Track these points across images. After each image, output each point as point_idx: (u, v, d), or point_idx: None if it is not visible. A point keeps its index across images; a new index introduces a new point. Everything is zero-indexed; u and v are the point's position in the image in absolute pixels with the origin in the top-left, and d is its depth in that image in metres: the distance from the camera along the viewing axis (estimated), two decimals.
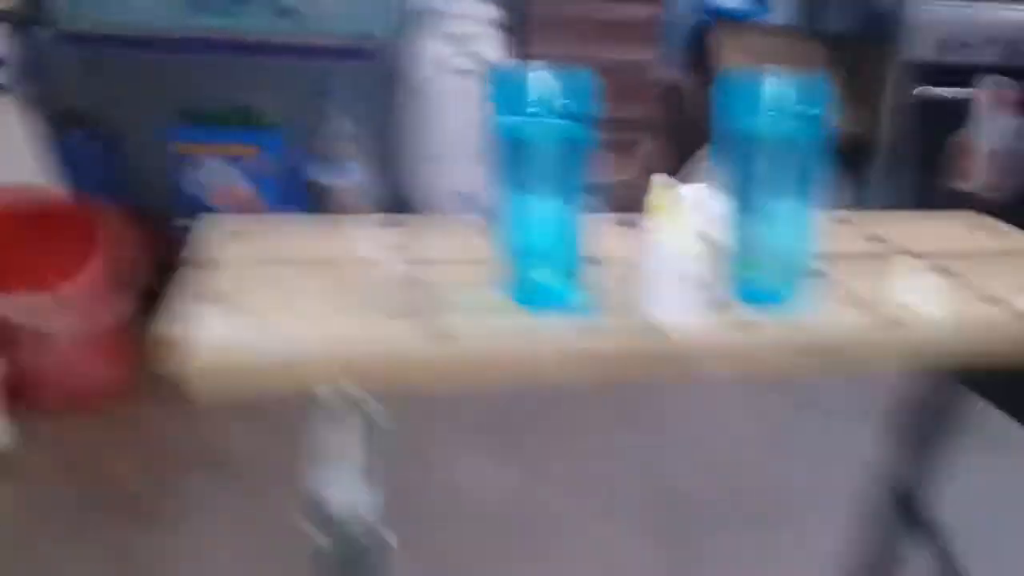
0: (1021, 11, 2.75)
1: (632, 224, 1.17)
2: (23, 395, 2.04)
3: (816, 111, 0.88)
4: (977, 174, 2.75)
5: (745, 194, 0.91)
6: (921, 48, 2.74)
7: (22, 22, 2.29)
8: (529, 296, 0.90)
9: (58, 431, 2.08)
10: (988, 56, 2.76)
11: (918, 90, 2.77)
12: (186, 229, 2.59)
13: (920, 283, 0.91)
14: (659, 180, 0.87)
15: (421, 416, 2.11)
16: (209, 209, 2.56)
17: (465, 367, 0.83)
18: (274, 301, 0.88)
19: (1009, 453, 2.09)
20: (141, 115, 2.77)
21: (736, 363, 0.87)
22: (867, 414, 2.26)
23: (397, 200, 2.95)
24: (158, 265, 2.59)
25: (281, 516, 1.81)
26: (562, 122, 0.85)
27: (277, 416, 2.13)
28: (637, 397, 2.31)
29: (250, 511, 1.85)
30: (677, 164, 2.98)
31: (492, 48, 2.77)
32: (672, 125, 3.14)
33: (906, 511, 1.34)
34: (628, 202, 3.18)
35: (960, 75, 2.76)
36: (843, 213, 1.25)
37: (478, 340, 0.84)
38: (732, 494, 1.99)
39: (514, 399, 2.27)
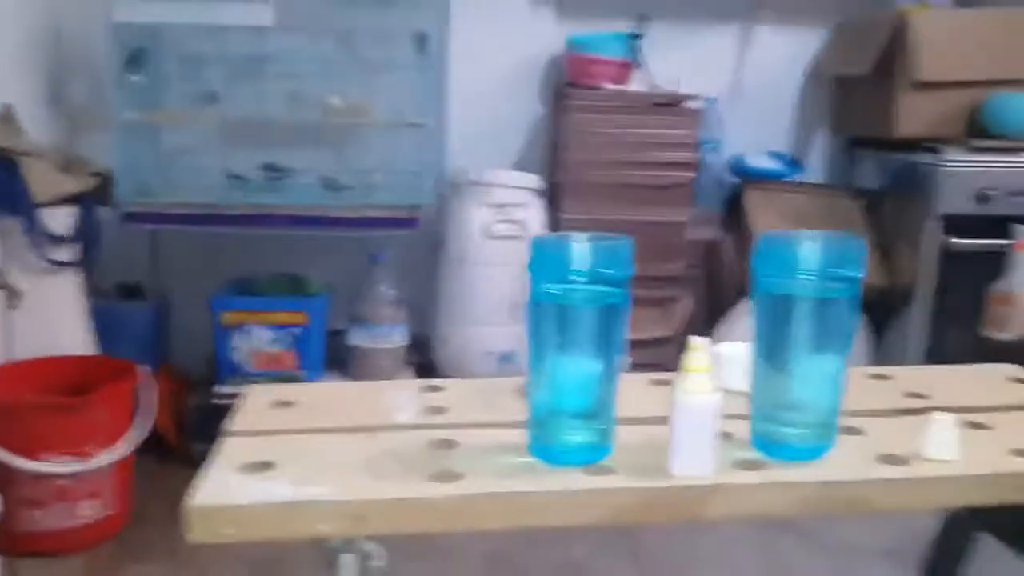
0: None
1: (667, 383, 1.18)
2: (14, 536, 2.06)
3: (850, 270, 0.89)
4: (1016, 323, 2.71)
5: (777, 352, 0.91)
6: (956, 200, 2.78)
7: (92, 204, 2.42)
8: (562, 456, 0.90)
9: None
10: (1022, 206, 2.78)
11: (955, 242, 2.79)
12: (228, 396, 2.64)
13: (953, 437, 0.90)
14: (695, 339, 0.88)
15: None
16: (253, 375, 2.62)
17: (474, 508, 0.83)
18: (304, 467, 0.89)
19: None
20: (192, 285, 2.88)
21: (745, 506, 0.86)
22: (880, 553, 2.23)
23: (436, 362, 2.98)
24: (177, 417, 2.65)
25: None
26: (601, 288, 0.88)
27: (277, 566, 2.13)
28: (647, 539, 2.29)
29: None
30: (714, 322, 3.00)
31: (533, 214, 2.86)
32: (709, 283, 3.18)
33: None
34: (665, 358, 3.22)
35: (996, 226, 2.78)
36: (881, 369, 1.24)
37: (490, 483, 0.85)
38: None
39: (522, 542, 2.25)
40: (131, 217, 2.60)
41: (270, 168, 2.86)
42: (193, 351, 2.90)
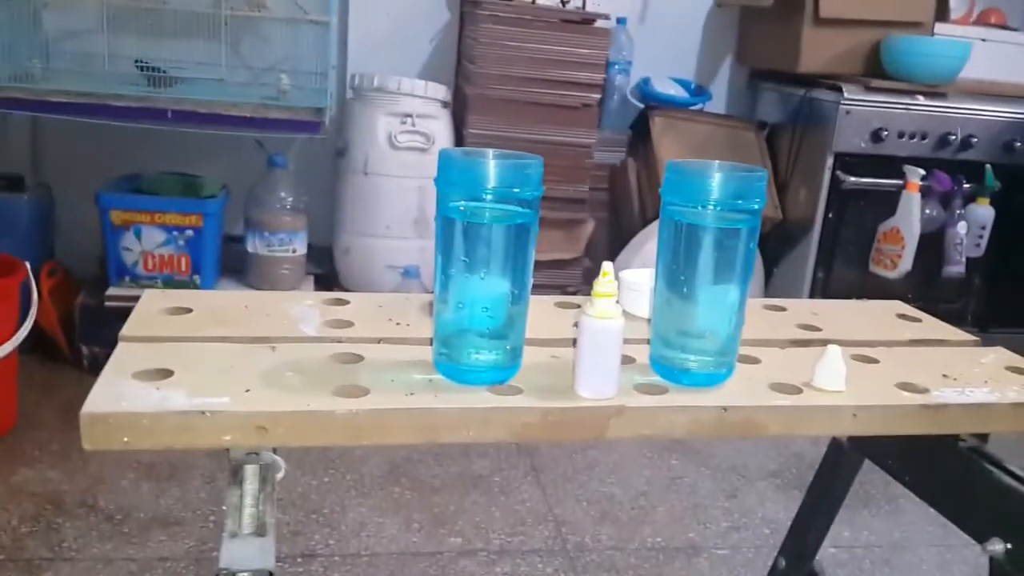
0: (946, 107, 2.89)
1: (572, 305, 1.19)
2: None
3: (753, 201, 0.91)
4: (902, 263, 2.85)
5: (679, 280, 0.93)
6: (852, 139, 2.86)
7: None
8: (469, 376, 0.90)
9: None
10: (915, 149, 2.89)
11: (849, 179, 2.88)
12: (119, 298, 2.56)
13: (842, 369, 0.95)
14: (607, 264, 0.88)
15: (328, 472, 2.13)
16: (144, 278, 2.54)
17: (379, 423, 0.83)
18: (203, 376, 0.86)
19: (896, 511, 2.17)
20: (78, 180, 2.75)
21: (645, 428, 0.89)
22: (765, 473, 2.38)
23: (337, 273, 2.94)
24: (65, 318, 2.57)
25: (163, 564, 1.79)
26: (511, 207, 0.87)
27: (168, 470, 2.12)
28: (546, 455, 2.37)
29: (133, 559, 1.82)
30: (618, 245, 3.04)
31: (440, 126, 2.81)
32: (614, 207, 3.21)
33: (802, 571, 1.37)
34: (569, 280, 3.25)
35: (890, 166, 2.89)
36: (777, 301, 1.28)
37: (396, 401, 0.85)
38: (635, 547, 2.00)
39: (425, 456, 2.29)
40: (7, 103, 2.44)
41: (160, 60, 2.71)
42: (81, 249, 2.79)
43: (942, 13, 3.14)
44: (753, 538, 2.10)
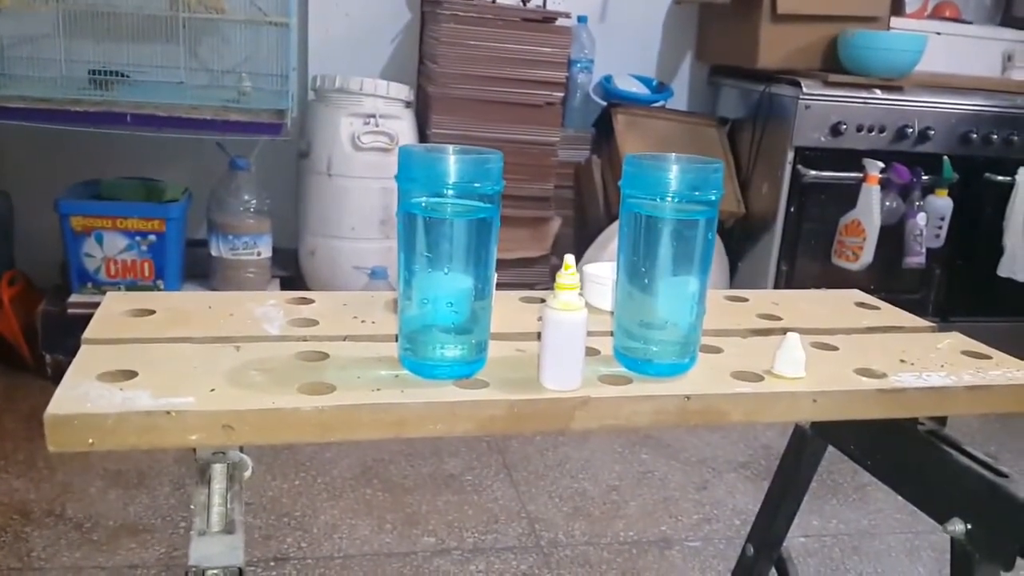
0: (903, 100, 2.94)
1: (537, 300, 1.20)
2: None
3: (710, 192, 0.92)
4: (864, 254, 2.89)
5: (639, 271, 0.94)
6: (812, 133, 2.90)
7: None
8: (435, 371, 0.91)
9: None
10: (874, 142, 2.93)
11: (809, 173, 2.92)
12: (82, 305, 2.53)
13: (802, 356, 0.97)
14: (568, 257, 0.89)
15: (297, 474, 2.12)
16: (107, 284, 2.51)
17: (346, 419, 0.83)
18: (168, 377, 0.86)
19: (863, 499, 2.21)
20: (36, 186, 2.72)
21: (610, 418, 0.90)
22: (733, 464, 2.41)
23: (303, 276, 2.93)
24: (26, 327, 2.53)
25: (133, 572, 1.78)
26: (472, 202, 0.88)
27: (137, 477, 2.11)
28: (518, 453, 2.38)
29: (103, 567, 1.81)
30: (584, 243, 3.06)
31: (403, 126, 2.81)
32: (579, 204, 3.22)
33: (771, 558, 1.39)
34: (535, 278, 3.26)
35: (847, 159, 2.93)
36: (738, 292, 1.30)
37: (362, 397, 0.85)
38: (608, 542, 2.01)
39: (395, 457, 2.29)
40: None
41: (118, 64, 2.68)
42: (42, 257, 2.76)
43: (897, 7, 3.19)
44: (724, 529, 2.13)
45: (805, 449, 1.30)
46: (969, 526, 1.01)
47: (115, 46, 2.67)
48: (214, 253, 2.69)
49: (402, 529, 2.02)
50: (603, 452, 2.45)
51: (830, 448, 1.29)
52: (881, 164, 2.89)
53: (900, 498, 1.14)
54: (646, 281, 0.94)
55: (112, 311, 1.05)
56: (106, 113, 2.43)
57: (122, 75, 2.61)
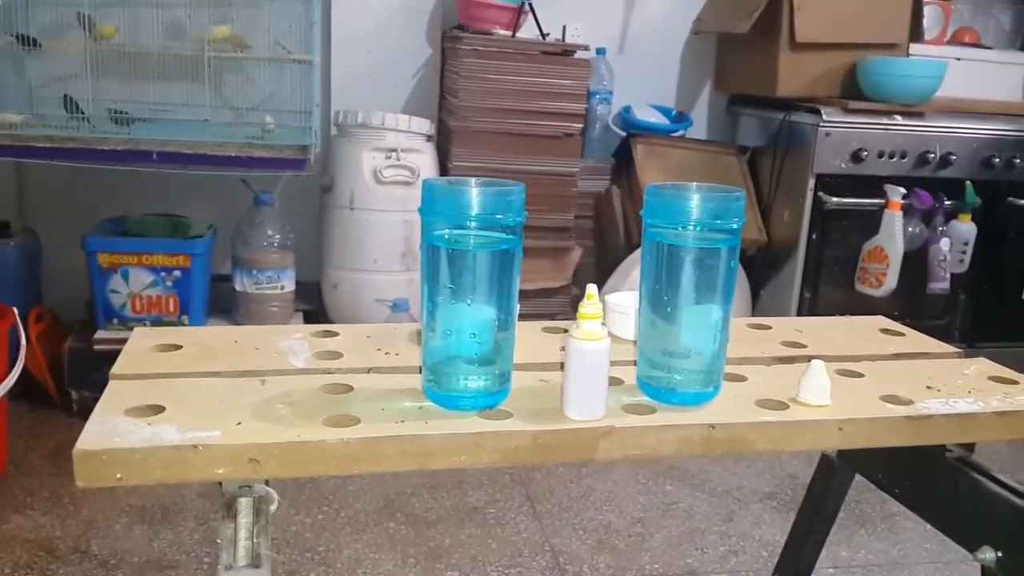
0: (923, 126, 2.93)
1: (559, 330, 1.20)
2: None
3: (731, 221, 0.93)
4: (887, 281, 2.88)
5: (662, 300, 0.94)
6: (832, 160, 2.89)
7: None
8: (458, 402, 0.91)
9: None
10: (896, 168, 2.93)
11: (831, 200, 2.91)
12: (108, 341, 2.55)
13: (826, 383, 0.96)
14: (591, 286, 0.90)
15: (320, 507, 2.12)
16: (133, 320, 2.54)
17: (370, 451, 0.84)
18: (194, 411, 0.87)
19: (892, 529, 2.17)
20: (64, 224, 2.75)
21: (634, 448, 0.90)
22: (759, 495, 2.38)
23: (326, 309, 2.95)
24: (53, 364, 2.56)
25: None
26: (494, 233, 0.88)
27: (161, 512, 2.11)
28: (541, 485, 2.36)
29: None
30: (605, 272, 3.06)
31: (425, 160, 2.83)
32: (599, 234, 3.23)
33: None
34: (557, 308, 3.26)
35: (869, 185, 2.92)
36: (761, 320, 1.30)
37: (387, 429, 0.86)
38: (633, 575, 2.00)
39: (419, 490, 2.28)
40: None
41: (144, 103, 2.73)
42: (69, 294, 2.79)
43: (916, 34, 3.19)
44: (751, 561, 2.10)
45: (832, 478, 1.29)
46: (1000, 554, 1.00)
47: (142, 85, 2.72)
48: (238, 288, 2.71)
49: (425, 563, 2.01)
50: (627, 483, 2.43)
51: (858, 477, 1.27)
52: (903, 190, 2.87)
53: (929, 527, 1.13)
54: (669, 310, 0.94)
55: (139, 347, 1.06)
56: (132, 151, 2.46)
57: (138, 119, 2.65)
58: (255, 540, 0.82)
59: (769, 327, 1.27)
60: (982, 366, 1.14)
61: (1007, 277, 3.11)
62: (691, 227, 0.92)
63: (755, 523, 2.27)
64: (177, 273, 2.55)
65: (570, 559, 2.06)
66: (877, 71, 2.95)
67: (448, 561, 2.03)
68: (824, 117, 2.87)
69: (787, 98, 3.03)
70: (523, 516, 2.24)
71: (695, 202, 0.92)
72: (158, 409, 0.87)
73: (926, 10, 3.25)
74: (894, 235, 2.86)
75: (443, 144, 2.97)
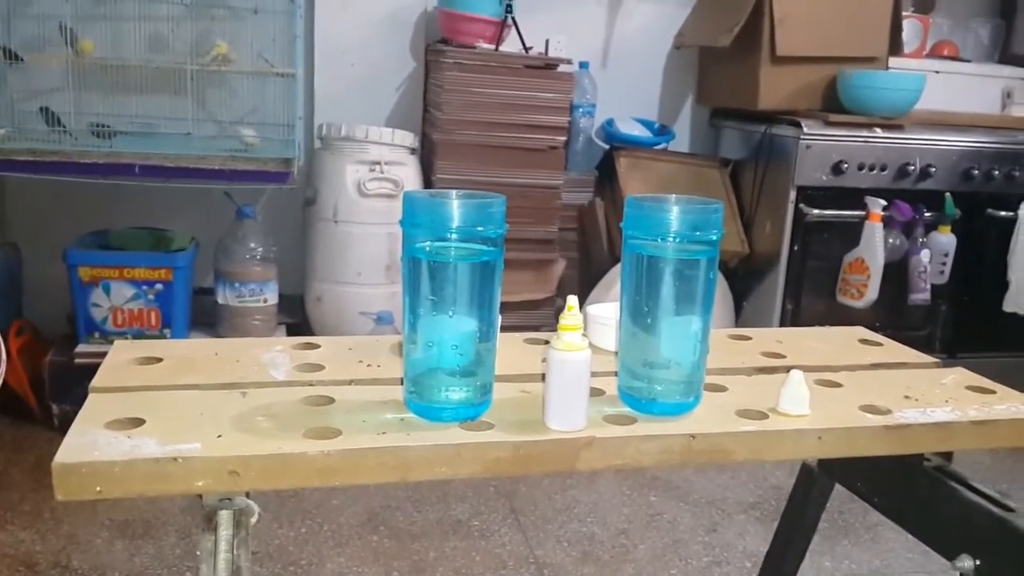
0: (903, 138, 2.96)
1: (540, 342, 1.20)
2: None
3: (710, 232, 0.93)
4: (868, 292, 2.90)
5: (642, 311, 0.95)
6: (813, 172, 2.92)
7: None
8: (440, 413, 0.91)
9: None
10: (876, 180, 2.95)
11: (812, 212, 2.93)
12: (89, 355, 2.54)
13: (806, 393, 0.97)
14: (571, 298, 0.90)
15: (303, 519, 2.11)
16: (114, 334, 2.52)
17: (352, 463, 0.83)
18: (175, 423, 0.87)
19: (875, 539, 2.18)
20: (45, 237, 2.74)
21: (615, 458, 0.91)
22: (742, 506, 2.38)
23: (309, 322, 2.94)
24: (34, 377, 2.54)
25: None
26: (475, 245, 0.89)
27: (143, 527, 2.10)
28: (525, 498, 2.35)
29: None
30: (588, 285, 3.07)
31: (408, 173, 2.84)
32: (583, 247, 3.24)
33: None
34: (540, 320, 3.26)
35: (852, 198, 2.94)
36: (742, 330, 1.31)
37: (368, 441, 0.86)
38: None
39: (402, 503, 2.27)
40: None
41: (127, 116, 2.72)
42: (50, 308, 2.78)
43: (895, 47, 3.22)
44: (735, 572, 2.10)
45: (812, 487, 1.30)
46: (978, 562, 1.00)
47: (124, 99, 2.71)
48: (220, 301, 2.70)
49: None
50: (611, 495, 2.43)
51: (842, 488, 1.28)
52: (883, 202, 2.90)
53: (912, 537, 1.14)
54: (649, 321, 0.95)
55: (120, 359, 1.06)
56: (115, 164, 2.45)
57: (121, 132, 2.65)
58: (235, 552, 0.81)
59: (749, 338, 1.28)
60: (959, 376, 1.16)
61: (987, 288, 3.13)
62: (670, 239, 0.92)
63: (739, 534, 2.28)
64: (159, 286, 2.54)
65: (554, 571, 2.06)
66: (857, 84, 2.98)
67: (432, 574, 2.02)
68: (805, 130, 2.89)
69: (768, 111, 3.06)
70: (507, 528, 2.23)
71: (674, 214, 0.93)
72: (138, 422, 0.87)
73: (905, 24, 3.29)
74: (875, 247, 2.89)
75: (427, 157, 2.98)
